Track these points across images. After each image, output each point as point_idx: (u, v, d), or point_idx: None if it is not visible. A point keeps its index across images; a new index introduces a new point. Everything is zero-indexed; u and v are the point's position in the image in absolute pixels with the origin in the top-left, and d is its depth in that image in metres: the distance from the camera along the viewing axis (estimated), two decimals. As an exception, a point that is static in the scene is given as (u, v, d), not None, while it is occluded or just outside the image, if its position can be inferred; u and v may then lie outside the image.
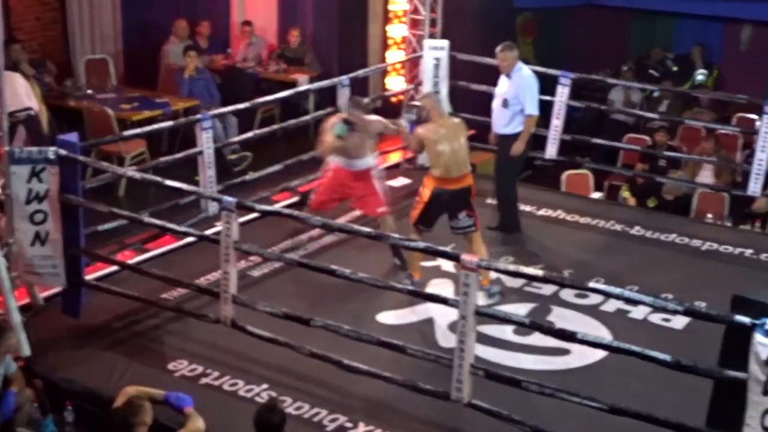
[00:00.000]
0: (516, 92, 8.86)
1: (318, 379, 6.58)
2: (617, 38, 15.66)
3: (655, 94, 13.88)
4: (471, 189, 7.83)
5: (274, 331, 6.67)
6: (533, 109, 8.88)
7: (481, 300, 7.38)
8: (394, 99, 12.22)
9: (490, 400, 6.01)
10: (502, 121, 9.01)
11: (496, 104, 9.07)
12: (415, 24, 11.20)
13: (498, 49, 8.93)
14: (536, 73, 10.78)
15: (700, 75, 14.51)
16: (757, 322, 4.94)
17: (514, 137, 8.92)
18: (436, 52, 10.61)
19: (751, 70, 14.53)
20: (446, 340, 7.03)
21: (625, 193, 11.07)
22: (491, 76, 11.27)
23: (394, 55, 12.53)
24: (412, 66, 11.40)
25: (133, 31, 12.66)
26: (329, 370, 6.48)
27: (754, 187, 9.86)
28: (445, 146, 7.67)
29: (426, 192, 7.81)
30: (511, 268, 6.34)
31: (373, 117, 8.51)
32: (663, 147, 11.41)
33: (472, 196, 7.87)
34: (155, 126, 9.47)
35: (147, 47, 12.58)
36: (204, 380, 6.66)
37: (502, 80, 9.04)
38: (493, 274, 7.69)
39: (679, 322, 7.47)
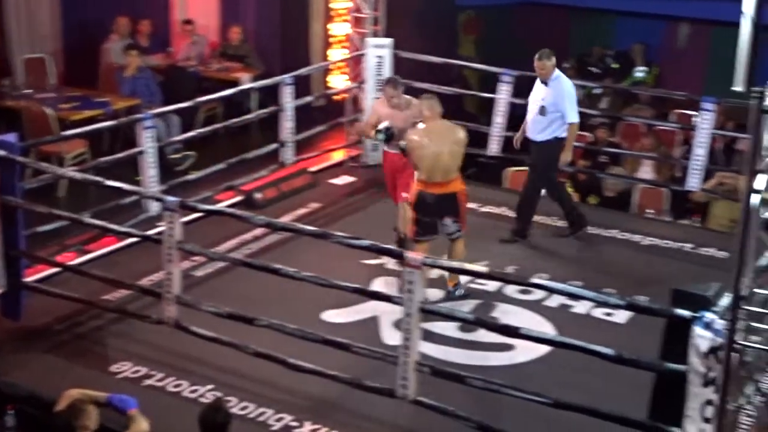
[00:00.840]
0: (554, 100, 8.75)
1: (263, 378, 6.55)
2: (558, 36, 15.78)
3: (596, 91, 14.04)
4: (457, 195, 7.72)
5: (219, 331, 6.64)
6: (575, 117, 8.80)
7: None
8: (337, 97, 12.21)
9: (435, 397, 6.03)
10: (537, 128, 8.87)
11: (531, 111, 8.94)
12: (357, 22, 11.20)
13: (536, 57, 8.77)
14: (479, 71, 10.88)
15: (640, 72, 14.71)
16: (696, 315, 5.01)
17: (549, 143, 8.84)
18: (379, 50, 10.63)
19: (689, 67, 14.78)
20: (391, 337, 7.03)
21: (568, 189, 11.15)
22: (434, 74, 11.37)
23: (337, 54, 12.52)
24: (354, 64, 11.40)
25: (73, 30, 12.49)
26: (274, 369, 6.45)
27: (693, 182, 10.01)
28: (426, 150, 7.59)
29: (413, 195, 7.80)
30: (456, 264, 6.36)
31: (416, 101, 8.46)
32: (604, 143, 11.54)
33: (460, 201, 7.77)
34: (96, 126, 9.36)
35: (87, 46, 12.43)
36: (147, 381, 6.60)
37: (538, 87, 8.91)
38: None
39: (622, 316, 7.56)
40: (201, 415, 5.16)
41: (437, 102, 7.82)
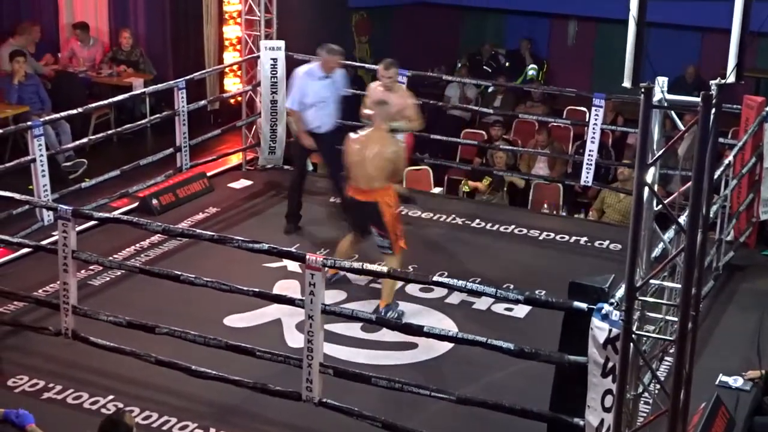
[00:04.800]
0: (339, 91, 9.14)
1: (166, 386, 6.48)
2: (450, 35, 15.98)
3: (490, 89, 14.23)
4: (378, 206, 7.56)
5: (119, 341, 6.54)
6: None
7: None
8: (232, 101, 12.12)
9: (341, 398, 6.04)
10: (329, 120, 9.09)
11: (322, 105, 9.02)
12: (250, 24, 11.13)
13: (323, 49, 9.01)
14: (373, 72, 10.91)
15: (532, 70, 14.97)
16: (593, 306, 5.12)
17: (335, 132, 9.09)
18: (272, 52, 10.59)
19: (576, 63, 15.12)
20: (295, 340, 7.02)
21: (465, 187, 11.29)
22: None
23: (231, 57, 12.42)
24: (249, 67, 11.33)
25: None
26: (177, 377, 6.38)
27: (586, 177, 10.22)
28: (354, 156, 7.62)
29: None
30: (357, 265, 6.38)
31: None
32: (499, 141, 11.70)
33: (384, 215, 7.58)
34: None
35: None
36: (46, 395, 6.46)
37: (320, 83, 9.01)
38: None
39: (521, 310, 7.68)
40: (99, 428, 5.05)
41: (384, 110, 7.80)
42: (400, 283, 7.73)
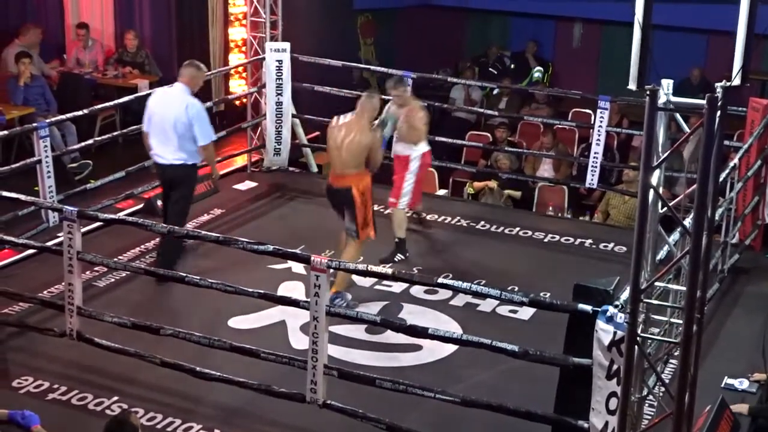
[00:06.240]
0: None
1: (170, 388, 6.49)
2: (455, 37, 15.97)
3: (495, 91, 14.22)
4: (351, 191, 7.75)
5: (123, 342, 6.55)
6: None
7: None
8: (237, 102, 12.13)
9: (346, 400, 6.04)
10: None
11: None
12: (255, 26, 11.14)
13: (188, 65, 8.53)
14: (378, 72, 10.93)
15: (537, 72, 14.96)
16: (598, 309, 5.11)
17: None
18: (277, 54, 10.60)
19: (582, 65, 15.11)
20: (299, 342, 7.03)
21: (470, 189, 11.29)
22: (334, 77, 11.39)
23: (236, 58, 12.44)
24: (254, 68, 11.34)
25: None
26: (182, 378, 6.39)
27: (591, 179, 10.21)
28: (331, 142, 7.90)
29: None
30: (361, 267, 6.38)
31: (418, 103, 8.93)
32: (504, 143, 11.70)
33: (356, 202, 7.76)
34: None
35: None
36: (51, 395, 6.46)
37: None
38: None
39: (526, 312, 7.67)
40: (106, 428, 5.06)
41: (370, 102, 7.96)
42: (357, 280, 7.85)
